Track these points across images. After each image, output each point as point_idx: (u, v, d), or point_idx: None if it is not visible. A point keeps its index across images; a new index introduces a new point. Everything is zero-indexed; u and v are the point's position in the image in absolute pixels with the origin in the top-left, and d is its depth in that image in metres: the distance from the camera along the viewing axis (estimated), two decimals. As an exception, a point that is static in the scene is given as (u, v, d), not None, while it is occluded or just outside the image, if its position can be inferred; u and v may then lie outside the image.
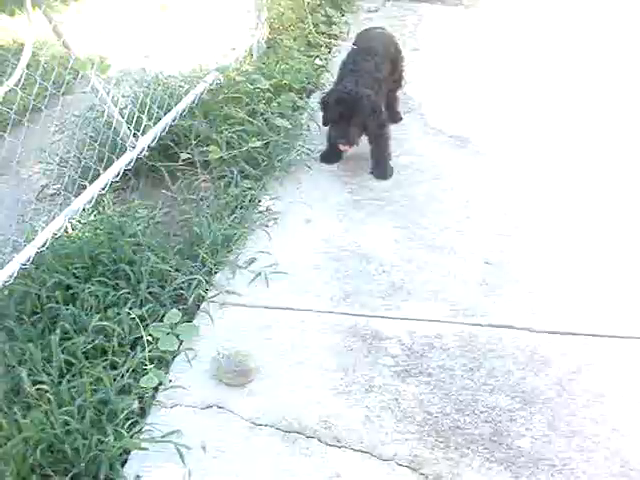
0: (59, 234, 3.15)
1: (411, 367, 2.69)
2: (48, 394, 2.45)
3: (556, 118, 4.52)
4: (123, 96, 3.92)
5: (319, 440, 2.40)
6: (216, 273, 3.14)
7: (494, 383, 2.63)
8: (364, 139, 3.87)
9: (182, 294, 2.98)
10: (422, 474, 2.29)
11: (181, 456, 2.32)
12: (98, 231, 3.21)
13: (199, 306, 2.96)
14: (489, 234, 3.44)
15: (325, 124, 3.90)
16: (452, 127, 4.40)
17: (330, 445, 2.39)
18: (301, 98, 4.54)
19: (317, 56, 5.22)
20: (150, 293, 2.94)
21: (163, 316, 2.85)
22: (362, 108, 3.67)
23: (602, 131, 4.37)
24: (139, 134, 3.70)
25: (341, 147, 3.81)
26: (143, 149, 3.73)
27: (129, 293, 2.91)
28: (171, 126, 3.95)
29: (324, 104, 3.83)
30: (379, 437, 2.42)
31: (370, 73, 3.84)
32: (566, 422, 2.47)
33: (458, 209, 3.62)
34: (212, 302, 2.99)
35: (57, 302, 2.84)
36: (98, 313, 2.78)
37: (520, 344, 2.80)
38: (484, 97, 4.80)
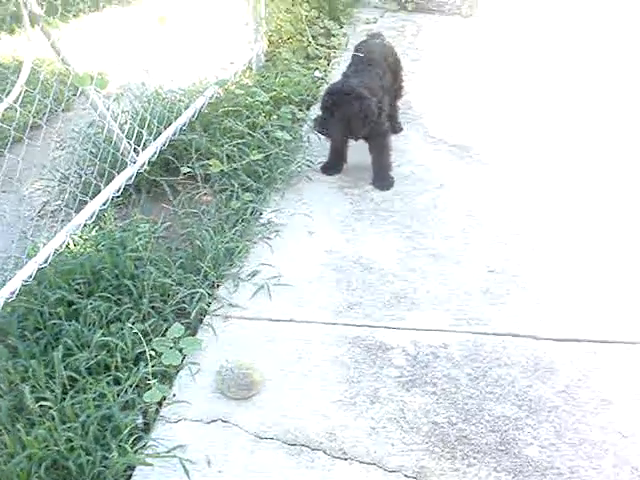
0: (61, 250, 3.15)
1: (416, 377, 2.68)
2: (51, 411, 2.43)
3: (556, 126, 4.52)
4: (123, 111, 3.93)
5: (324, 452, 2.38)
6: (219, 286, 3.13)
7: (500, 392, 2.61)
8: (363, 145, 3.85)
9: (185, 308, 2.97)
10: (429, 485, 2.28)
11: (186, 471, 2.30)
12: (100, 246, 3.20)
13: (202, 320, 2.95)
14: (492, 242, 3.43)
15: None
16: (453, 136, 4.40)
17: (336, 457, 2.37)
18: (301, 110, 4.55)
19: (316, 68, 5.24)
20: (153, 308, 2.93)
21: (166, 330, 2.84)
22: (348, 105, 3.62)
23: (603, 138, 4.37)
24: (139, 149, 3.71)
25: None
26: (144, 164, 3.74)
27: (131, 308, 2.90)
28: (171, 140, 3.96)
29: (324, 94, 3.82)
30: (385, 448, 2.40)
31: (374, 81, 3.83)
32: (573, 430, 2.45)
33: (460, 218, 3.61)
34: (215, 315, 2.97)
35: (60, 318, 2.83)
36: (101, 328, 2.77)
37: (525, 352, 2.78)
38: (484, 106, 4.80)
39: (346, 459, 2.36)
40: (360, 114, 3.64)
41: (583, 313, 2.98)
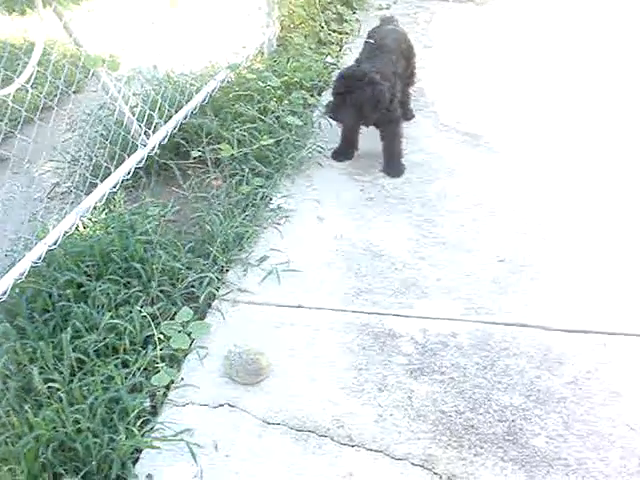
0: (70, 232, 3.14)
1: (424, 365, 2.67)
2: (59, 392, 2.44)
3: (569, 114, 4.48)
4: (134, 94, 3.91)
5: (332, 439, 2.38)
6: (227, 271, 3.12)
7: (508, 382, 2.60)
8: (374, 132, 3.83)
9: (194, 292, 2.97)
10: (436, 473, 2.27)
11: (193, 455, 2.31)
12: (109, 229, 3.20)
13: (211, 304, 2.95)
14: (503, 232, 3.40)
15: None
16: (465, 124, 4.37)
17: (343, 444, 2.37)
18: (312, 96, 4.53)
19: (328, 54, 5.20)
20: (161, 291, 2.93)
21: (175, 314, 2.84)
22: (360, 90, 3.59)
23: (615, 128, 4.33)
24: (150, 132, 3.70)
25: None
26: (154, 147, 3.73)
27: (140, 291, 2.90)
28: (182, 124, 3.95)
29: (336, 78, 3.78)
30: (392, 436, 2.39)
31: (387, 66, 3.80)
32: (581, 421, 2.44)
33: (471, 207, 3.59)
34: (224, 300, 2.97)
35: (68, 300, 2.83)
36: (109, 311, 2.77)
37: (534, 342, 2.77)
38: (496, 94, 4.77)
39: (353, 446, 2.36)
40: (372, 99, 3.61)
41: (593, 304, 2.96)
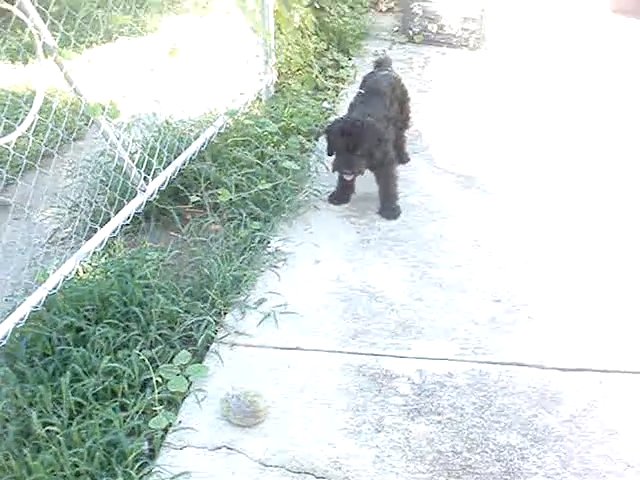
0: (70, 277, 3.18)
1: (421, 406, 2.68)
2: (58, 436, 2.45)
3: (560, 157, 4.55)
4: (134, 141, 3.98)
5: (329, 480, 2.39)
6: (225, 314, 3.15)
7: (505, 421, 2.61)
8: (370, 176, 3.89)
9: (192, 335, 2.99)
10: (434, 514, 2.27)
11: (191, 498, 2.31)
12: (109, 273, 3.23)
13: (209, 347, 2.96)
14: (498, 272, 3.44)
15: (330, 154, 3.87)
16: (459, 167, 4.43)
17: (341, 485, 2.38)
18: (309, 140, 4.59)
19: (325, 99, 5.29)
20: (160, 334, 2.95)
21: (173, 357, 2.86)
22: (366, 136, 3.66)
23: (608, 170, 4.40)
24: (149, 178, 3.75)
25: (345, 177, 3.82)
26: (153, 192, 3.78)
27: (139, 335, 2.92)
28: (181, 169, 4.01)
29: (328, 133, 3.84)
30: (390, 477, 2.40)
31: (379, 110, 3.88)
32: (579, 459, 2.45)
33: (467, 248, 3.63)
34: (222, 343, 2.99)
35: (68, 344, 2.85)
36: (108, 355, 2.79)
37: (531, 381, 2.78)
38: (490, 138, 4.84)
39: (351, 487, 2.37)
40: (376, 141, 3.70)
41: (589, 343, 2.98)
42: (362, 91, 4.10)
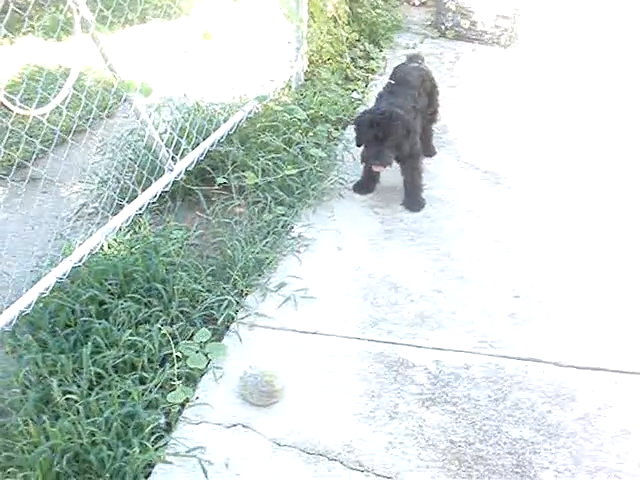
0: (95, 251, 3.22)
1: (436, 396, 2.70)
2: (77, 405, 2.50)
3: (589, 159, 4.53)
4: (163, 121, 4.01)
5: (341, 463, 2.41)
6: (247, 295, 3.18)
7: (519, 415, 2.62)
8: (395, 167, 3.90)
9: (212, 314, 3.02)
10: (443, 502, 2.29)
11: (204, 471, 2.35)
12: (133, 250, 3.27)
13: (228, 327, 3.00)
14: (518, 268, 3.44)
15: (359, 145, 3.88)
16: (485, 163, 4.42)
17: (352, 469, 2.40)
18: (337, 129, 4.61)
19: (354, 89, 5.29)
20: (181, 312, 2.98)
21: (193, 335, 2.90)
22: (395, 128, 3.67)
23: (637, 173, 4.37)
24: (177, 158, 3.79)
25: (374, 168, 3.82)
26: (181, 172, 3.82)
27: (161, 311, 2.96)
28: (209, 151, 4.04)
29: (357, 125, 3.85)
30: (401, 463, 2.42)
31: (407, 101, 3.88)
32: (590, 457, 2.45)
33: (488, 243, 3.63)
34: (241, 323, 3.02)
35: (90, 316, 2.90)
36: (130, 329, 2.83)
37: (547, 378, 2.79)
38: (518, 134, 4.82)
39: (362, 471, 2.39)
40: (405, 132, 3.71)
41: (606, 342, 2.98)
42: (392, 82, 4.10)
